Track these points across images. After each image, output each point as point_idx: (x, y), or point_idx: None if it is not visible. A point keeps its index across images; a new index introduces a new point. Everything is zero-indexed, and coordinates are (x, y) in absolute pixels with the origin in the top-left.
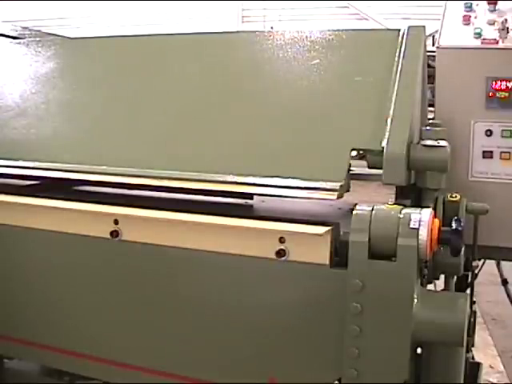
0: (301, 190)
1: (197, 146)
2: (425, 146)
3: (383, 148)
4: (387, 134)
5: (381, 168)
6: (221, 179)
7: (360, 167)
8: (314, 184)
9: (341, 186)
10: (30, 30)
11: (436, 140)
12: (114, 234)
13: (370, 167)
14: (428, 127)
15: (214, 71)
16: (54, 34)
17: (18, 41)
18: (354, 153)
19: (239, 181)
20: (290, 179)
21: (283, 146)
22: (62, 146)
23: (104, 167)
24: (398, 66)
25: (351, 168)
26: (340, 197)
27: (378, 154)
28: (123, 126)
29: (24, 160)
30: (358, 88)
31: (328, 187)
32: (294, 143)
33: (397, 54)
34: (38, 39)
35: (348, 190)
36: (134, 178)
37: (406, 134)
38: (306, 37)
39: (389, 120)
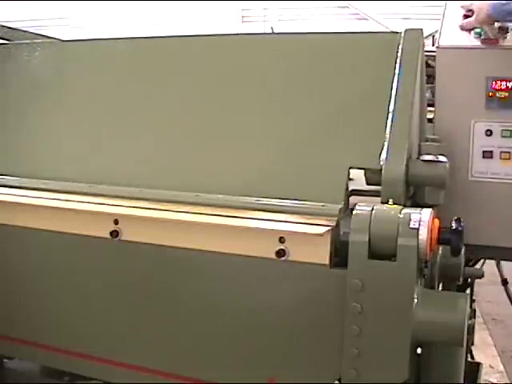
0: (298, 214)
1: (186, 163)
2: (424, 161)
3: (381, 167)
4: (385, 151)
5: (379, 185)
6: (217, 202)
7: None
8: (311, 209)
9: (340, 209)
10: (19, 30)
11: (435, 155)
12: (114, 234)
13: (368, 184)
14: (427, 143)
15: (202, 81)
16: (45, 36)
17: (4, 43)
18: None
19: (233, 204)
20: (286, 201)
21: (277, 166)
22: (50, 161)
23: (100, 186)
24: (395, 75)
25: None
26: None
27: (376, 172)
28: (112, 140)
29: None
30: (355, 101)
31: (326, 211)
32: (289, 163)
33: (394, 61)
34: (27, 41)
35: (346, 210)
36: (126, 200)
37: (404, 151)
38: (300, 42)
39: (387, 136)
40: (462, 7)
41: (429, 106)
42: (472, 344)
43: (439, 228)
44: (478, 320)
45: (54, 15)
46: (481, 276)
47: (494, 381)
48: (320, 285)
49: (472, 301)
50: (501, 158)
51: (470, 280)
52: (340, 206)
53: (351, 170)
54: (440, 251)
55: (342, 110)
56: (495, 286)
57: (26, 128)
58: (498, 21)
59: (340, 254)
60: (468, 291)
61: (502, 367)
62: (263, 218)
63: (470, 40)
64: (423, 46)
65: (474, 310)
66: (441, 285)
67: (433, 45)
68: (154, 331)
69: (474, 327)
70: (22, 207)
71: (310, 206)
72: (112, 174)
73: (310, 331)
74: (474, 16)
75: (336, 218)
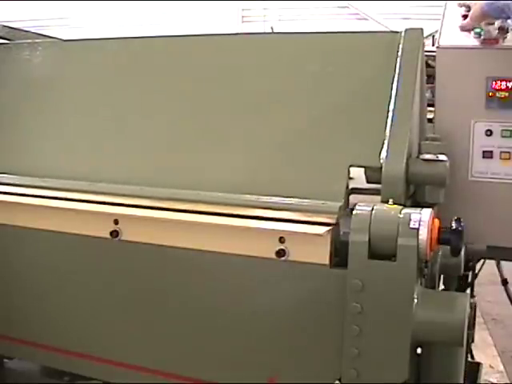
0: (299, 212)
1: (186, 161)
2: (424, 160)
3: (382, 165)
4: (385, 150)
5: (379, 183)
6: (218, 200)
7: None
8: (311, 207)
9: (340, 207)
10: (20, 30)
11: (435, 154)
12: (114, 234)
13: (368, 182)
14: (427, 142)
15: (203, 80)
16: (45, 36)
17: (5, 43)
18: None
19: (233, 202)
20: (286, 198)
21: (277, 164)
22: (50, 160)
23: (100, 184)
24: (395, 74)
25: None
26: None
27: (376, 170)
28: (112, 139)
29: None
30: (354, 100)
31: (326, 209)
32: (289, 161)
33: (395, 60)
34: (28, 41)
35: (346, 208)
36: (127, 198)
37: (404, 150)
38: (300, 42)
39: (387, 135)
40: (459, 5)
41: (429, 106)
42: (472, 341)
43: (439, 228)
44: (478, 320)
45: (54, 15)
46: (484, 254)
47: (494, 381)
48: (320, 285)
49: (472, 296)
50: (501, 158)
51: (470, 274)
52: (340, 204)
53: (351, 169)
54: (440, 251)
55: (342, 110)
56: (495, 286)
57: (27, 127)
58: (492, 18)
59: (340, 253)
60: (468, 291)
61: (502, 367)
62: (263, 217)
63: (470, 40)
64: (423, 45)
65: (475, 306)
66: (442, 279)
67: (433, 45)
68: (153, 331)
69: (474, 316)
70: (22, 207)
71: (310, 203)
72: (112, 172)
73: (310, 331)
74: (470, 13)
75: (336, 216)
